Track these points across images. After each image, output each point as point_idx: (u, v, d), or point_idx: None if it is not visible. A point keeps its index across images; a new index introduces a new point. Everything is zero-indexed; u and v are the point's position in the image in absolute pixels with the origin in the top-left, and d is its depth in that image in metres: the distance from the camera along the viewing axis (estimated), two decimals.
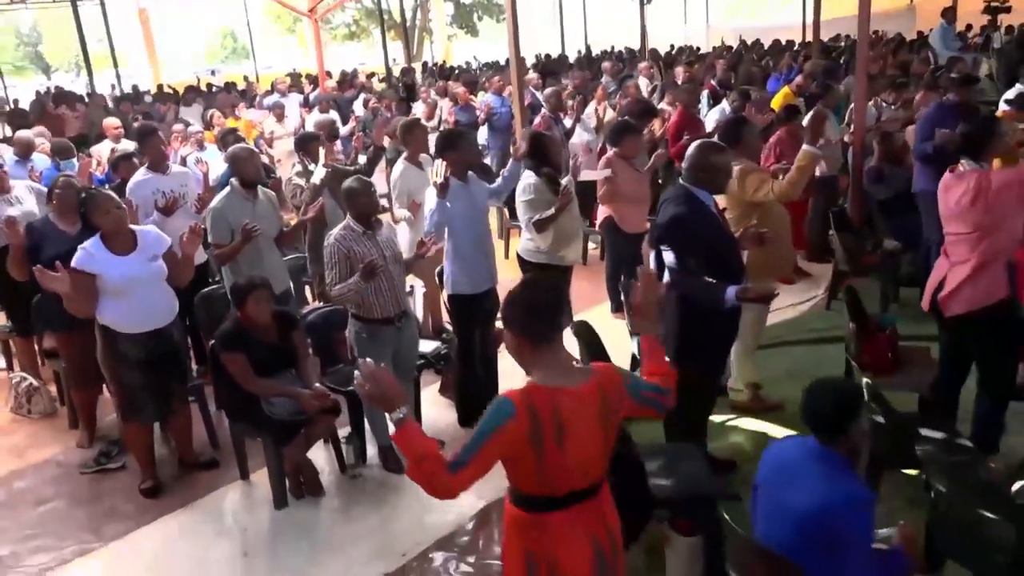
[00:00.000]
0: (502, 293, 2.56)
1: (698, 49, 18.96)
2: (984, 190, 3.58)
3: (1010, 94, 7.18)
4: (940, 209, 3.86)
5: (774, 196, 4.31)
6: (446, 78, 15.22)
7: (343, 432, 4.59)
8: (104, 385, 4.79)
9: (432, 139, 5.90)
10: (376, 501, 4.21)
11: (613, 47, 20.50)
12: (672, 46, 19.13)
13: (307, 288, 6.63)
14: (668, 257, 3.58)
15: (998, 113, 6.72)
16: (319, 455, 4.52)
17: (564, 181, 5.43)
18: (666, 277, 3.56)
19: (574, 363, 2.35)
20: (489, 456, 2.11)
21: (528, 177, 4.90)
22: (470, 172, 4.56)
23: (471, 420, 4.78)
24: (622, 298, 5.56)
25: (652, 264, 3.75)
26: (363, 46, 37.81)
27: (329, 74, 13.98)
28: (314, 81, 13.26)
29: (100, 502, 4.38)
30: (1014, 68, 9.15)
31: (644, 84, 10.19)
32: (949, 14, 11.42)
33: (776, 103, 8.58)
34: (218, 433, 4.79)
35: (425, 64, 23.32)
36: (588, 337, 4.17)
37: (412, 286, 5.38)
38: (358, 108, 11.81)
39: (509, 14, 7.70)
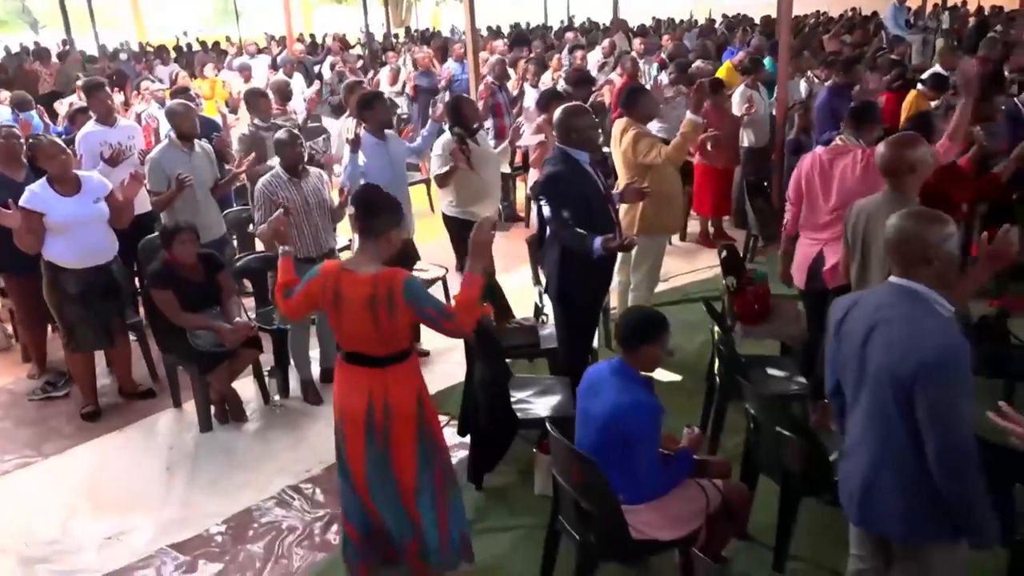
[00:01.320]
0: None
1: (682, 22, 19.23)
2: (871, 164, 3.87)
3: (927, 74, 7.56)
4: (815, 186, 4.12)
5: (662, 159, 4.72)
6: (427, 43, 15.48)
7: (269, 367, 5.03)
8: (51, 325, 5.23)
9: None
10: (291, 427, 4.67)
11: (589, 18, 20.75)
12: (654, 18, 19.43)
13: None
14: (545, 210, 4.01)
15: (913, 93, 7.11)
16: (247, 387, 4.97)
17: (502, 146, 5.84)
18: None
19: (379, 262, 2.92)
20: (304, 296, 3.03)
21: (443, 136, 5.31)
22: (387, 131, 4.96)
23: None
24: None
25: (534, 216, 4.17)
26: (351, 10, 37.68)
27: (312, 37, 14.22)
28: (283, 43, 13.52)
29: (43, 424, 4.83)
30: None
31: (595, 55, 10.50)
32: None
33: (722, 75, 8.98)
34: (157, 367, 5.22)
35: (408, 29, 23.44)
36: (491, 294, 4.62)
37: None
38: (326, 71, 12.13)
39: None
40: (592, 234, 3.85)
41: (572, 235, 3.89)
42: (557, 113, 4.00)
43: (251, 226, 6.63)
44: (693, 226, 7.56)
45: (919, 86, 7.24)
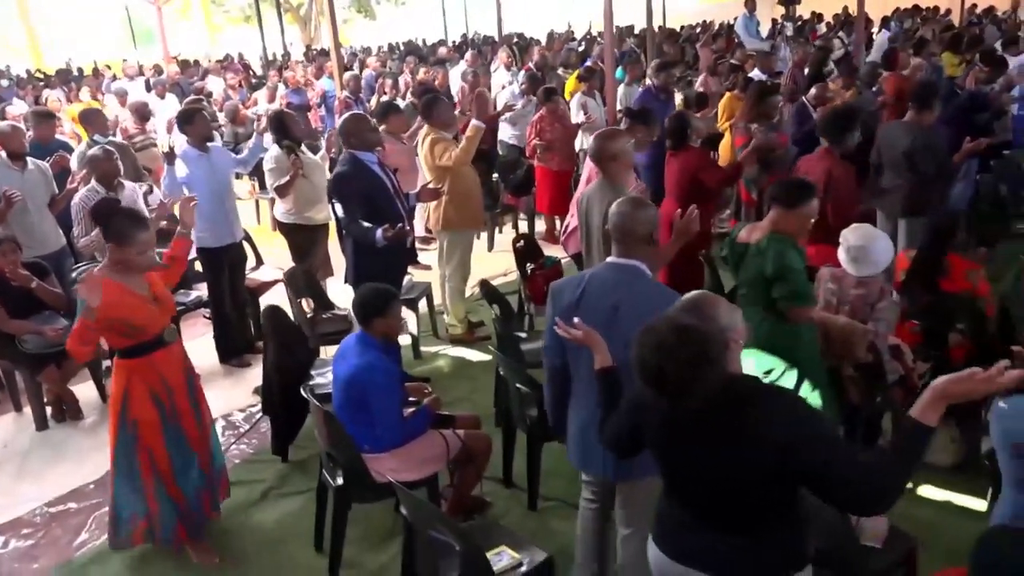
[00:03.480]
0: None
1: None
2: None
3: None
4: None
5: (452, 162, 5.25)
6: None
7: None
8: None
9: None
10: None
11: (476, 32, 21.49)
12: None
13: None
14: (337, 208, 4.49)
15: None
16: (88, 388, 5.29)
17: (319, 155, 6.28)
18: None
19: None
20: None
21: (272, 150, 5.74)
22: (210, 143, 5.37)
23: (227, 356, 5.64)
24: None
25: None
26: (256, 30, 37.62)
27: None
28: (158, 68, 13.75)
29: None
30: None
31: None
32: (750, 3, 12.64)
33: (569, 86, 9.64)
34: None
35: (308, 48, 23.74)
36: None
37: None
38: (216, 90, 12.40)
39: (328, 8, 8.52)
40: (375, 226, 4.33)
41: (358, 228, 4.38)
42: (341, 122, 4.49)
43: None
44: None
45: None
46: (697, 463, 2.03)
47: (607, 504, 3.05)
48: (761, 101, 6.30)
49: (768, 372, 3.43)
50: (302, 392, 3.47)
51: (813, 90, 6.86)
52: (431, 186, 5.11)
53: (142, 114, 7.70)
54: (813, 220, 3.56)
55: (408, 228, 4.43)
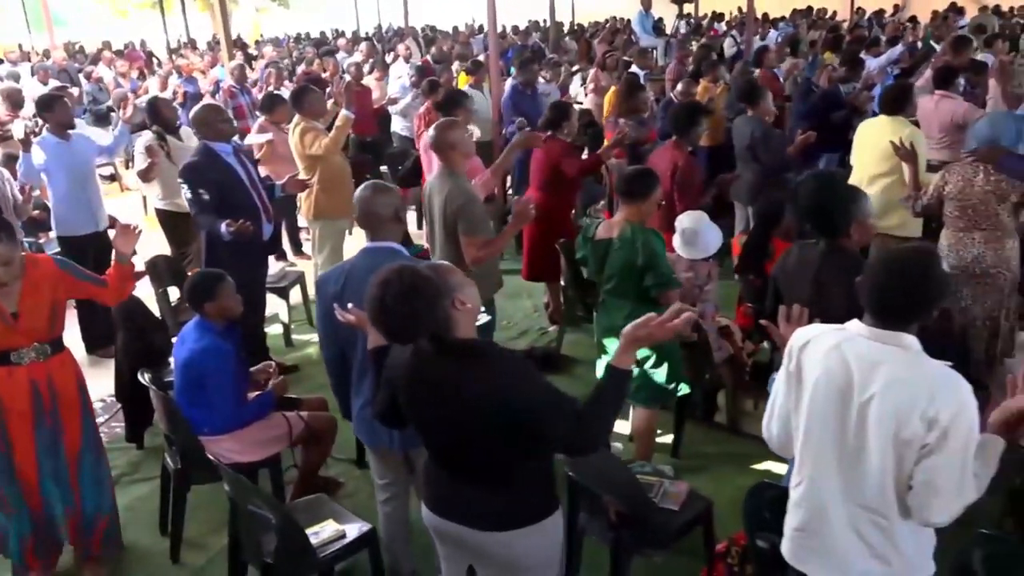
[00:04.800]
0: None
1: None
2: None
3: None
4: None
5: (322, 151, 5.31)
6: (242, 50, 15.51)
7: None
8: None
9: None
10: None
11: (381, 24, 21.53)
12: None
13: None
14: (188, 195, 4.51)
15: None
16: None
17: None
18: None
19: None
20: None
21: (144, 135, 5.69)
22: (71, 132, 5.29)
23: (93, 346, 5.58)
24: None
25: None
26: (169, 17, 36.53)
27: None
28: (46, 52, 13.31)
29: None
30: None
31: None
32: (646, 2, 13.01)
33: (461, 80, 9.76)
34: None
35: (214, 37, 23.20)
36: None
37: None
38: (106, 76, 12.06)
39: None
40: (220, 219, 4.35)
41: (207, 220, 4.41)
42: (194, 112, 4.51)
43: None
44: None
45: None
46: (436, 419, 2.19)
47: (404, 495, 3.13)
48: (631, 96, 6.56)
49: (645, 357, 3.65)
50: (139, 377, 3.50)
51: (680, 86, 7.15)
52: (301, 176, 5.16)
53: (14, 100, 7.47)
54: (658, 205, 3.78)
55: (248, 223, 4.38)
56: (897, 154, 4.47)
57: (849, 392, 2.03)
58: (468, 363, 2.10)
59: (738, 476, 3.86)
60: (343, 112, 5.31)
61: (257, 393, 3.67)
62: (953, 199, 4.07)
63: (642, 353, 3.60)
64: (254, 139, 7.03)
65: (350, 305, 2.62)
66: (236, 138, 5.57)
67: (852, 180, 5.13)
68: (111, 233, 3.70)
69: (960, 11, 17.70)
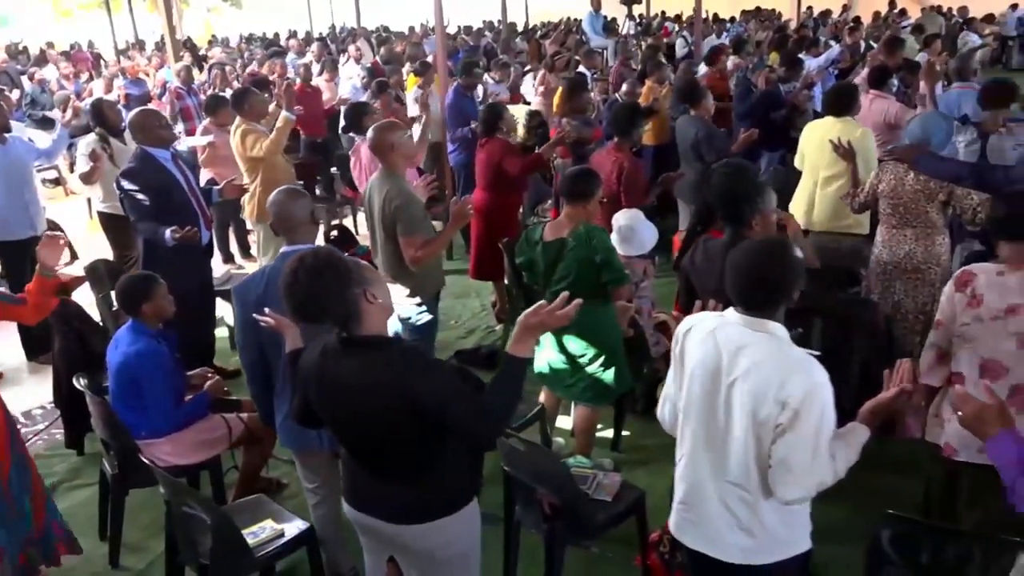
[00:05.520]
0: None
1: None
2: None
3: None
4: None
5: (263, 152, 5.31)
6: (191, 52, 15.29)
7: None
8: None
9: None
10: None
11: (333, 25, 21.45)
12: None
13: None
14: (125, 204, 4.48)
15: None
16: None
17: None
18: None
19: None
20: None
21: (87, 137, 5.63)
22: (8, 135, 5.22)
23: (33, 353, 5.49)
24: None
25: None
26: (117, 18, 35.85)
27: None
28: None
29: None
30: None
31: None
32: (596, 3, 13.14)
33: (411, 82, 9.78)
34: None
35: (162, 38, 22.84)
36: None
37: None
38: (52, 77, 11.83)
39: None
40: (163, 226, 4.33)
41: (146, 226, 4.39)
42: (132, 117, 4.48)
43: None
44: None
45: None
46: (345, 415, 2.24)
47: (334, 496, 3.09)
48: (573, 96, 6.64)
49: (594, 357, 3.70)
50: (74, 382, 3.47)
51: (625, 86, 7.26)
52: (244, 179, 5.16)
53: None
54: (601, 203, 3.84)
55: (195, 229, 4.37)
56: (837, 152, 4.59)
57: (719, 375, 2.18)
58: (373, 357, 2.15)
59: (673, 468, 3.94)
60: (284, 113, 5.31)
61: (192, 396, 3.67)
62: (886, 197, 4.19)
63: (591, 354, 3.68)
64: (194, 141, 6.99)
65: (267, 310, 2.66)
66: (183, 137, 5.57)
67: (803, 182, 5.27)
68: None
69: (903, 12, 18.20)
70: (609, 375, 3.74)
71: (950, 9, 18.83)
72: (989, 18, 17.63)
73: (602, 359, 3.73)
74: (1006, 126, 5.00)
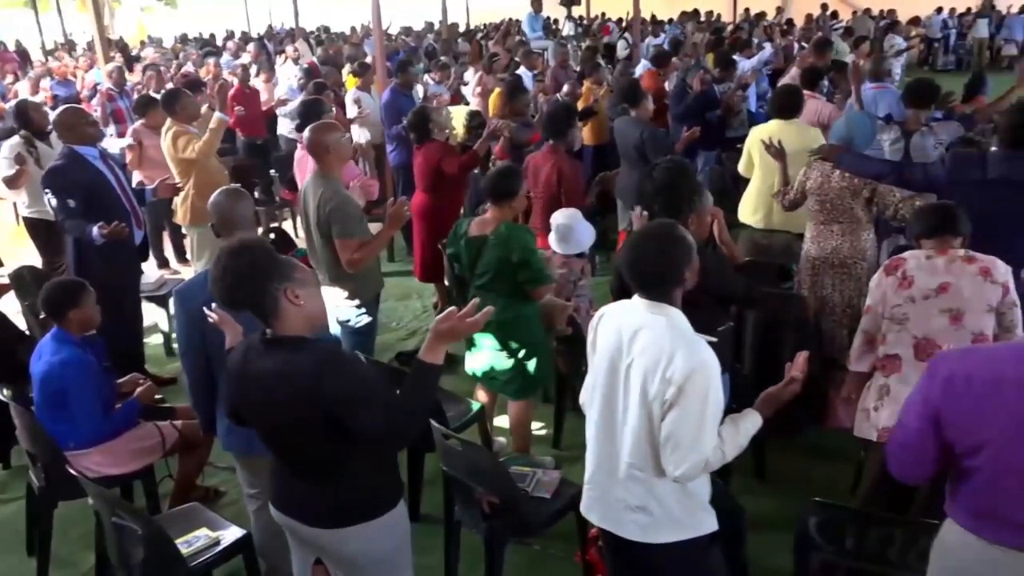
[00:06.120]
0: None
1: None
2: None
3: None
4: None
5: (196, 154, 5.21)
6: (122, 52, 14.87)
7: None
8: None
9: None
10: None
11: (272, 24, 21.14)
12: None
13: None
14: (53, 202, 4.35)
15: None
16: None
17: None
18: None
19: None
20: None
21: (11, 140, 5.45)
22: None
23: None
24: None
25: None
26: (45, 17, 34.70)
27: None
28: None
29: None
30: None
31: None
32: (536, 4, 13.22)
33: (350, 83, 9.71)
34: None
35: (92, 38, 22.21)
36: None
37: None
38: None
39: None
40: (92, 224, 4.22)
41: (74, 225, 4.27)
42: (57, 115, 4.35)
43: None
44: None
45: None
46: (263, 414, 2.24)
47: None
48: (512, 99, 6.66)
49: (516, 351, 3.72)
50: None
51: (565, 87, 7.32)
52: (172, 181, 5.04)
53: None
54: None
55: (124, 224, 4.27)
56: (768, 152, 4.69)
57: (619, 357, 2.26)
58: (288, 356, 2.13)
59: None
60: (217, 115, 5.22)
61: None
62: (814, 194, 4.30)
63: (513, 349, 3.71)
64: (120, 144, 6.84)
65: (213, 305, 2.61)
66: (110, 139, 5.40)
67: (756, 185, 5.26)
68: None
69: (834, 15, 18.72)
70: (531, 366, 3.77)
71: (881, 11, 19.42)
72: (915, 20, 18.23)
73: (523, 352, 3.75)
74: (928, 125, 5.17)
